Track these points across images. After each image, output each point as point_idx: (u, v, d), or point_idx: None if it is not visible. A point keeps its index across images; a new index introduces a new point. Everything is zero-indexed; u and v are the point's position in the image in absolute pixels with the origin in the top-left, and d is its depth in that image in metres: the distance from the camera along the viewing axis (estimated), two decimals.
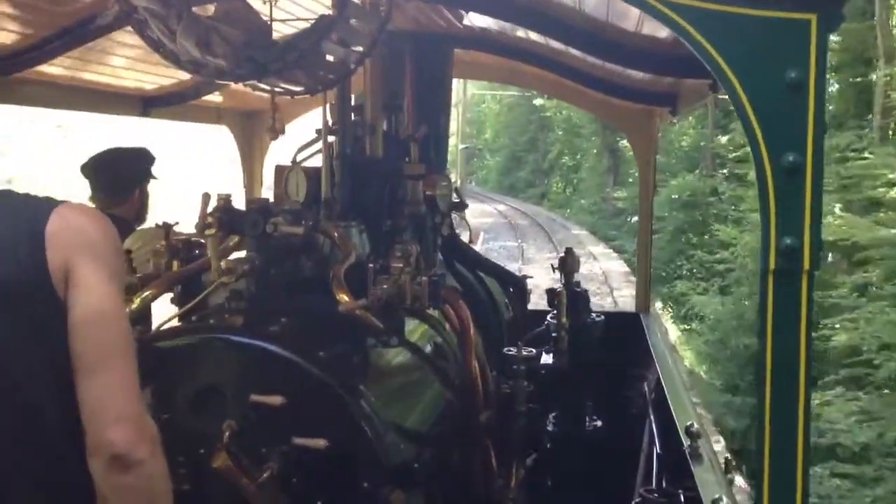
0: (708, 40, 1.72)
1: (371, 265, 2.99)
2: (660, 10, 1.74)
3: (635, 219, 18.40)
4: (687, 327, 23.52)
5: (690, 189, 28.54)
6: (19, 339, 1.84)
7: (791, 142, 1.70)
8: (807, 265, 1.73)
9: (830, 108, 19.82)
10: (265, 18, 3.05)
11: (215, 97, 5.52)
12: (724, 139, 26.77)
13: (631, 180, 35.10)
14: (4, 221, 1.88)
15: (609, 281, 25.70)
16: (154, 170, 4.38)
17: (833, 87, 19.95)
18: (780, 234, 1.73)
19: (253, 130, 6.12)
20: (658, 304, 21.66)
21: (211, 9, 2.81)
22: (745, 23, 1.70)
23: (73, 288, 1.85)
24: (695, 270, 26.31)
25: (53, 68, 4.00)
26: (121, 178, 3.99)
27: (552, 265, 5.44)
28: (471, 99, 59.17)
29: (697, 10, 1.72)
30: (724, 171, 27.41)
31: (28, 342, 1.85)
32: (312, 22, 2.78)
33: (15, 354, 1.85)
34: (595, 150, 43.99)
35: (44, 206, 1.92)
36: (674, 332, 21.95)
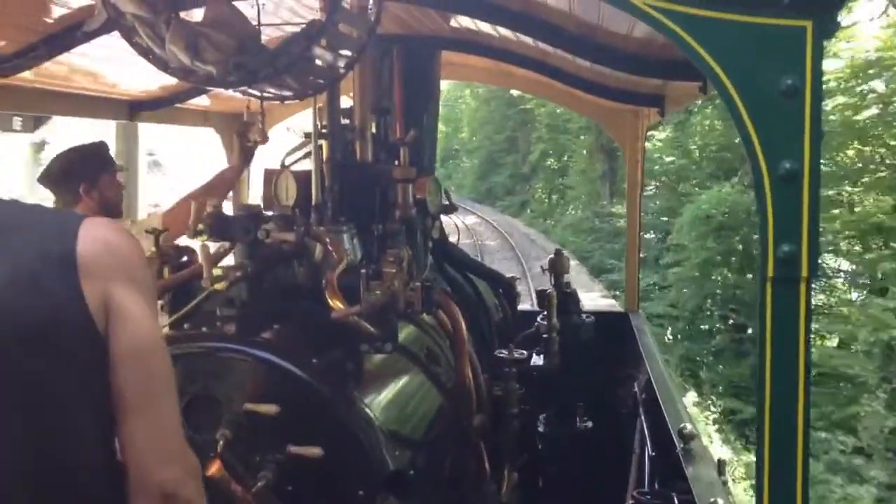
0: (704, 48, 1.72)
1: (364, 271, 2.97)
2: (655, 17, 1.73)
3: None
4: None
5: (726, 204, 19.85)
6: (56, 383, 1.65)
7: (788, 149, 1.70)
8: (805, 272, 1.73)
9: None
10: (254, 24, 3.04)
11: (202, 100, 5.50)
12: None
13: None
14: (27, 242, 1.66)
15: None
16: (115, 161, 4.23)
17: None
18: (777, 242, 1.73)
19: (239, 132, 6.07)
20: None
21: (199, 15, 2.79)
22: (740, 30, 1.70)
23: (114, 320, 1.69)
24: (733, 325, 17.87)
25: (35, 74, 3.96)
26: (73, 174, 3.89)
27: (542, 267, 5.44)
28: (447, 94, 50.83)
29: (693, 17, 1.72)
30: None
31: (67, 386, 1.66)
32: (302, 27, 2.76)
33: (51, 401, 1.65)
34: (586, 151, 37.77)
35: (69, 223, 1.72)
36: None
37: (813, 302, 1.77)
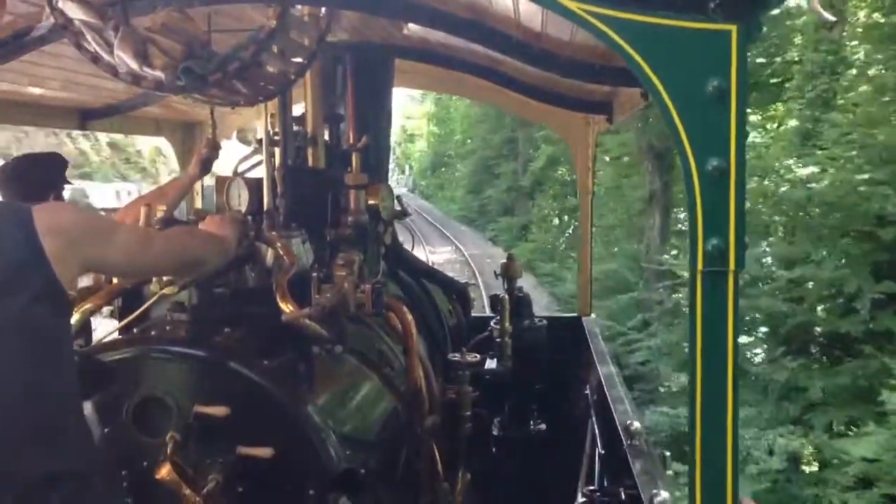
0: (636, 50, 1.79)
1: (315, 274, 3.00)
2: (589, 21, 1.81)
3: None
4: None
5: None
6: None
7: (715, 148, 1.78)
8: (732, 265, 1.81)
9: None
10: (205, 30, 3.06)
11: (154, 108, 5.47)
12: None
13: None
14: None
15: None
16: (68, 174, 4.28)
17: None
18: (707, 236, 1.81)
19: (193, 141, 6.07)
20: None
21: (148, 21, 2.81)
22: (670, 33, 1.78)
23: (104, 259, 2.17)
24: None
25: None
26: (33, 183, 3.90)
27: (494, 272, 5.52)
28: (439, 94, 45.23)
29: (625, 21, 1.79)
30: None
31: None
32: (251, 33, 2.80)
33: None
34: (626, 157, 25.41)
35: (23, 211, 1.99)
36: None
37: None
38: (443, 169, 60.11)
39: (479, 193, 45.54)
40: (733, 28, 1.75)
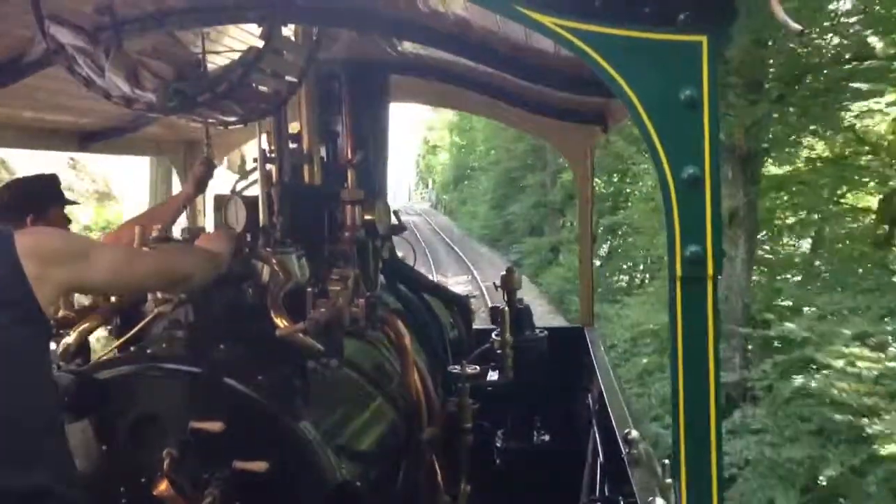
0: (609, 63, 1.83)
1: (310, 289, 3.03)
2: (563, 35, 1.84)
3: None
4: None
5: None
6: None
7: (690, 156, 1.81)
8: (710, 271, 1.84)
9: None
10: (197, 52, 3.11)
11: (154, 128, 5.53)
12: None
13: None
14: None
15: None
16: (67, 195, 4.28)
17: None
18: (684, 243, 1.84)
19: (193, 160, 6.12)
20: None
21: (139, 43, 2.86)
22: (641, 46, 1.81)
23: (84, 277, 2.21)
24: None
25: None
26: (23, 206, 3.93)
27: (494, 283, 5.54)
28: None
29: (597, 34, 1.82)
30: None
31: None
32: (240, 54, 2.85)
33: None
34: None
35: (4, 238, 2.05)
36: None
37: None
38: (465, 182, 55.89)
39: (502, 209, 39.59)
40: (703, 39, 1.78)
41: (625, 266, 27.95)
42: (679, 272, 1.85)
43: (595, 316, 6.74)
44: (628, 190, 27.67)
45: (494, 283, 5.48)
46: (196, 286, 2.80)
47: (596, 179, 26.20)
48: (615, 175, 28.11)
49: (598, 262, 26.41)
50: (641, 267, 26.37)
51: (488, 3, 1.97)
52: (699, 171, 1.81)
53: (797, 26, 1.84)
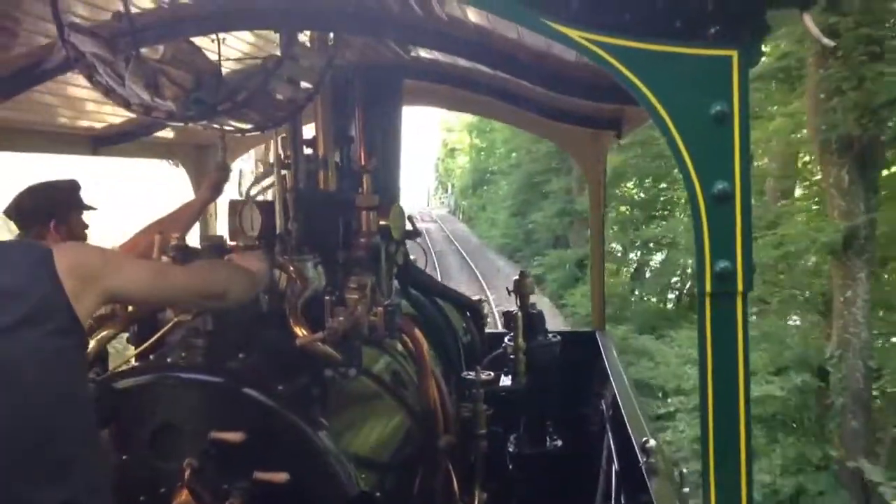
0: (638, 77, 1.82)
1: (327, 298, 3.02)
2: (592, 49, 1.83)
3: None
4: None
5: None
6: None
7: (719, 171, 1.80)
8: (741, 287, 1.82)
9: None
10: (214, 57, 3.10)
11: (166, 133, 5.53)
12: None
13: None
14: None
15: None
16: (87, 199, 4.28)
17: None
18: (714, 259, 1.82)
19: (205, 164, 6.12)
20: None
21: (158, 52, 2.85)
22: (671, 60, 1.80)
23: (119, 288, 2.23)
24: None
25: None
26: (30, 213, 3.93)
27: (507, 288, 5.52)
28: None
29: (627, 49, 1.81)
30: None
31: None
32: (260, 62, 2.83)
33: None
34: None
35: (42, 254, 2.08)
36: None
37: None
38: (485, 187, 52.76)
39: (524, 217, 35.90)
40: (734, 53, 1.77)
41: (663, 284, 23.21)
42: (708, 288, 1.83)
43: (604, 318, 6.72)
44: (663, 197, 23.84)
45: (508, 289, 5.47)
46: (231, 304, 2.78)
47: (628, 184, 22.73)
48: (647, 179, 24.00)
49: (618, 274, 24.42)
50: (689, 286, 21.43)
51: (515, 17, 1.96)
52: (729, 185, 1.80)
53: (830, 42, 1.82)
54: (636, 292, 23.45)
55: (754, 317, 14.03)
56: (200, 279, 2.59)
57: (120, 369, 2.91)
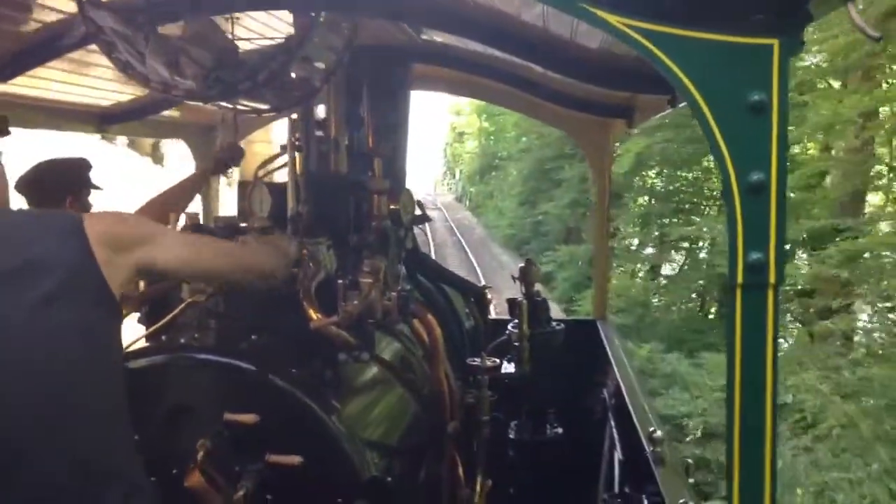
0: (676, 64, 1.79)
1: (341, 281, 3.01)
2: (630, 35, 1.81)
3: None
4: None
5: None
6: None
7: (756, 161, 1.78)
8: (772, 279, 1.81)
9: None
10: (230, 37, 3.07)
11: (173, 111, 5.48)
12: None
13: None
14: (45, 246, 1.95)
15: None
16: (95, 180, 4.27)
17: None
18: (746, 250, 1.80)
19: (211, 144, 6.08)
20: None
21: (176, 29, 2.82)
22: (711, 47, 1.77)
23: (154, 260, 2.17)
24: None
25: (5, 86, 3.94)
26: (49, 188, 3.92)
27: (512, 276, 5.52)
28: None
29: (666, 35, 1.79)
30: None
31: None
32: (280, 41, 2.80)
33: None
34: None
35: (74, 222, 2.02)
36: None
37: None
38: (493, 173, 49.67)
39: (533, 206, 32.68)
40: (775, 42, 1.75)
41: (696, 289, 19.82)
42: (740, 279, 1.82)
43: (606, 307, 6.72)
44: (691, 189, 21.09)
45: (513, 276, 5.46)
46: (275, 283, 2.76)
47: (650, 173, 20.07)
48: (678, 168, 20.87)
49: (635, 275, 21.80)
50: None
51: (553, 1, 1.93)
52: (765, 176, 1.78)
53: (875, 34, 1.80)
54: (658, 298, 20.53)
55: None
56: (250, 254, 2.57)
57: (133, 349, 2.89)
